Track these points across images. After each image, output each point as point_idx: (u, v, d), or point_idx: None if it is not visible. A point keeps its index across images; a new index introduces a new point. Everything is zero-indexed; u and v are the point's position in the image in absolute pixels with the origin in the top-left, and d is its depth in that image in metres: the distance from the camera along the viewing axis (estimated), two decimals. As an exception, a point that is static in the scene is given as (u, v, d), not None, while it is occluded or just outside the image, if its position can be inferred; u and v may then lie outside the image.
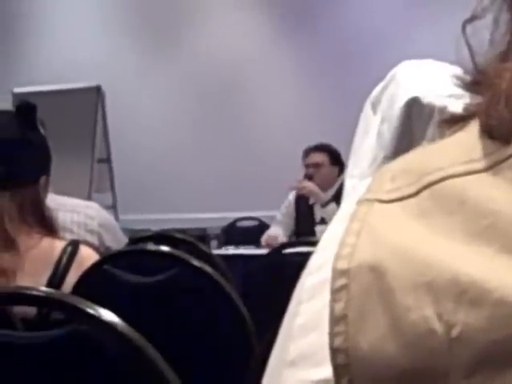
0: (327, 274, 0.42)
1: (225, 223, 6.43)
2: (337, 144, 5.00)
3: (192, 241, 2.85)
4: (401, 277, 0.38)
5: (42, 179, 2.14)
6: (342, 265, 0.41)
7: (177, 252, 2.14)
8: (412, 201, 0.41)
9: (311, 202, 5.09)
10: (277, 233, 5.16)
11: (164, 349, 1.24)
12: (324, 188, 5.00)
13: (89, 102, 6.20)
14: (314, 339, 0.43)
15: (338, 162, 5.06)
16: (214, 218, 6.83)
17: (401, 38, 6.66)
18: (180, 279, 2.09)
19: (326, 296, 0.41)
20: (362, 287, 0.39)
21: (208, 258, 2.50)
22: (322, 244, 0.46)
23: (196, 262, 2.09)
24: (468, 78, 0.46)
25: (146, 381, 1.23)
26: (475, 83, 0.45)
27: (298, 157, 5.25)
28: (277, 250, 3.32)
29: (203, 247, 2.82)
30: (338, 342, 0.39)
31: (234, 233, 6.13)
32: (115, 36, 7.77)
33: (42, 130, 2.17)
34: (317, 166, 5.08)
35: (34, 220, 2.09)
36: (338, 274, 0.41)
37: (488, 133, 0.42)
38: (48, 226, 2.11)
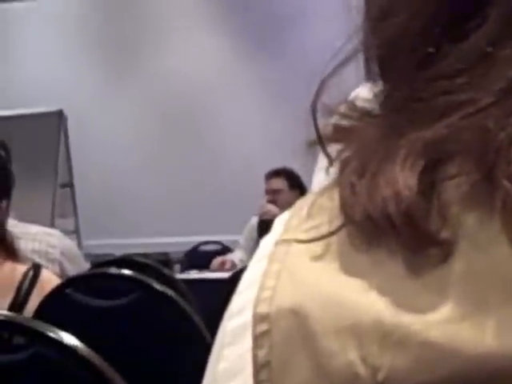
0: (248, 317, 0.41)
1: (188, 247, 6.41)
2: (301, 167, 5.01)
3: (155, 265, 2.84)
4: (323, 320, 0.37)
5: (3, 203, 2.13)
6: (263, 309, 0.40)
7: (139, 276, 2.13)
8: (331, 240, 0.40)
9: (274, 225, 5.10)
10: (229, 257, 5.19)
11: (126, 372, 1.24)
12: (286, 212, 5.03)
13: (51, 126, 6.17)
14: None
15: (297, 185, 5.10)
16: (176, 242, 6.81)
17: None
18: (142, 303, 2.08)
19: (249, 340, 0.40)
20: (283, 332, 0.38)
21: (171, 282, 2.50)
22: (242, 285, 0.45)
23: (158, 286, 2.08)
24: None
25: (108, 404, 1.23)
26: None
27: (260, 180, 5.26)
28: (240, 273, 3.32)
29: (166, 271, 2.81)
30: None
31: (197, 257, 6.10)
32: (76, 60, 7.75)
33: (3, 153, 2.16)
34: (276, 192, 5.13)
35: (-5, 244, 2.07)
36: (258, 319, 0.40)
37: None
38: (9, 249, 2.10)
